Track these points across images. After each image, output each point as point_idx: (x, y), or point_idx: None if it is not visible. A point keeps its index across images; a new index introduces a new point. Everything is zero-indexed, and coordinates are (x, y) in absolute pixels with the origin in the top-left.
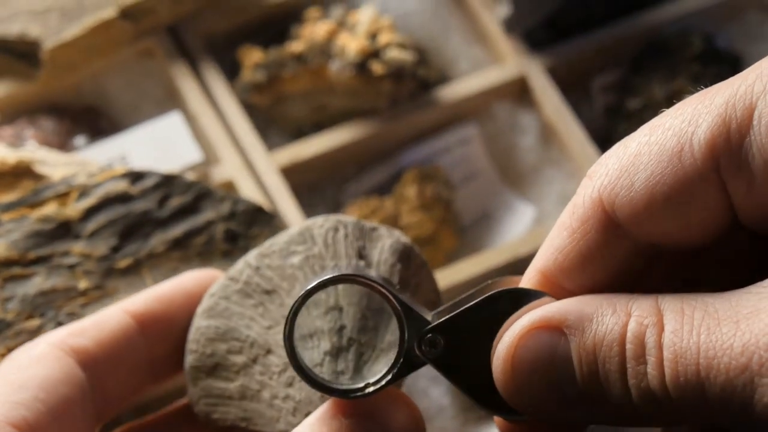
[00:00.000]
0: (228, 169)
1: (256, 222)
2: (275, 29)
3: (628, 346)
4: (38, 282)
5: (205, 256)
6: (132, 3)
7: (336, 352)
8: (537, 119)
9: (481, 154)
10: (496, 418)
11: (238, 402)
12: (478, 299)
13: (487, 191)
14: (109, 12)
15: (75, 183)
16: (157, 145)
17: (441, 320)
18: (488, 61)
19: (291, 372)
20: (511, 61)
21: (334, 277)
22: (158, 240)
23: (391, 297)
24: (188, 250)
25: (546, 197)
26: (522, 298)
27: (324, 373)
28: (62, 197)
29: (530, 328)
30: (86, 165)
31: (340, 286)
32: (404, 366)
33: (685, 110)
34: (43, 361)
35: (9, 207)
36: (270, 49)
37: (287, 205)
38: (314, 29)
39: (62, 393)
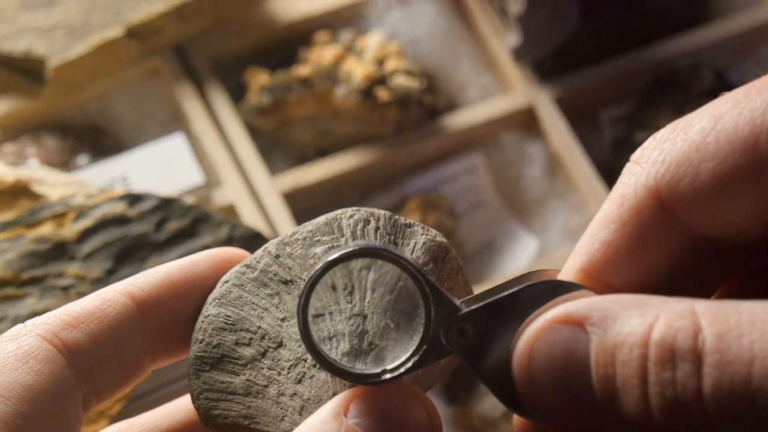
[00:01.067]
0: (229, 193)
1: (253, 248)
2: (284, 52)
3: (653, 349)
4: (31, 303)
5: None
6: (138, 22)
7: (355, 354)
8: (544, 150)
9: (487, 184)
10: (515, 418)
11: (243, 398)
12: (513, 289)
13: (492, 221)
14: (115, 31)
15: (72, 204)
16: (159, 167)
17: (471, 308)
18: (497, 89)
19: (301, 368)
20: (519, 91)
21: (359, 249)
22: (154, 264)
23: (420, 277)
24: None
25: (550, 229)
26: (559, 290)
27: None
28: (59, 218)
29: (552, 321)
30: (85, 185)
31: (368, 294)
32: (428, 353)
33: (754, 99)
34: (31, 361)
35: (5, 226)
36: (277, 72)
37: (288, 231)
38: (322, 53)
39: (47, 404)
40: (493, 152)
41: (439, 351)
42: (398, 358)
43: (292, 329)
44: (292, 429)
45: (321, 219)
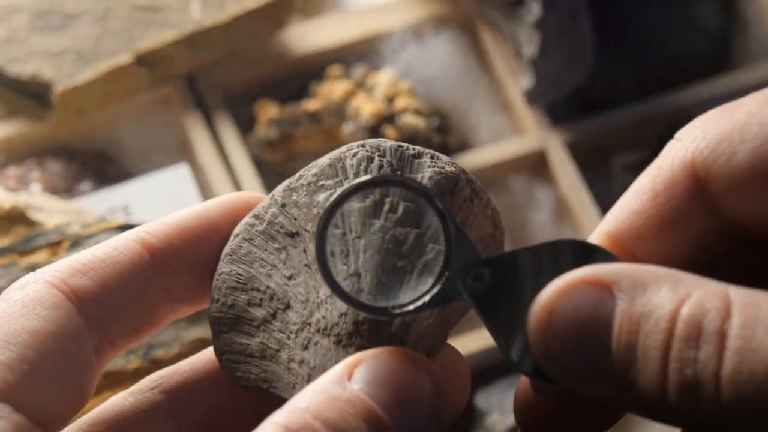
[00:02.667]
0: None
1: None
2: (296, 84)
3: (680, 325)
4: None
5: (194, 317)
6: (148, 50)
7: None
8: (552, 194)
9: None
10: (519, 385)
11: (259, 361)
12: (541, 243)
13: None
14: (124, 58)
15: (68, 232)
16: (161, 197)
17: (494, 255)
18: (510, 131)
19: (307, 333)
20: (531, 134)
21: (377, 177)
22: None
23: (443, 210)
24: None
25: None
26: (588, 254)
27: (347, 322)
28: (54, 246)
29: (580, 280)
30: (82, 214)
31: (361, 252)
32: (440, 295)
33: None
34: (38, 308)
35: None
36: (287, 105)
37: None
38: (332, 88)
39: (54, 349)
40: (501, 195)
41: (452, 294)
42: (409, 297)
43: (297, 289)
44: None
45: (325, 159)
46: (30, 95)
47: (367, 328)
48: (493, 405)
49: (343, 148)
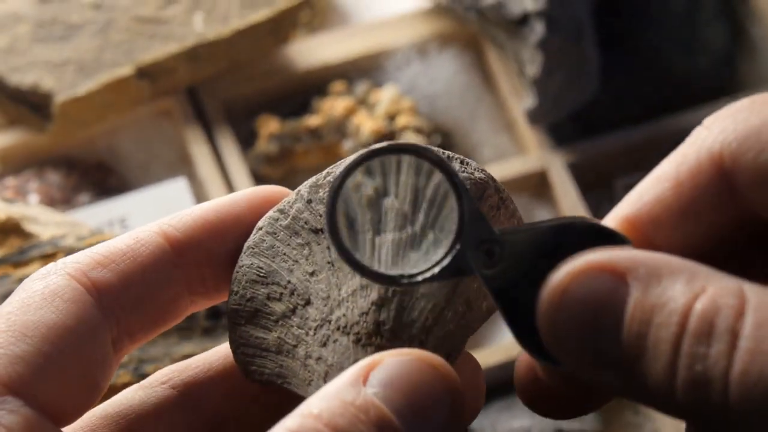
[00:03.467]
0: None
1: None
2: (299, 99)
3: (693, 320)
4: None
5: (185, 333)
6: (150, 62)
7: (381, 303)
8: (553, 215)
9: None
10: (518, 362)
11: (275, 356)
12: (556, 221)
13: None
14: (125, 70)
15: (62, 245)
16: (159, 210)
17: (506, 230)
18: (513, 151)
19: (326, 329)
20: (533, 153)
21: (393, 145)
22: None
23: (459, 183)
24: None
25: None
26: (603, 236)
27: (368, 322)
28: (47, 258)
29: (595, 264)
30: (77, 227)
31: (406, 199)
32: (451, 267)
33: None
34: (57, 300)
35: None
36: (289, 120)
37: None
38: (334, 104)
39: (70, 343)
40: None
41: (463, 267)
42: (419, 267)
43: (319, 285)
44: None
45: (352, 158)
46: (30, 105)
47: (389, 329)
48: (486, 428)
49: (373, 147)
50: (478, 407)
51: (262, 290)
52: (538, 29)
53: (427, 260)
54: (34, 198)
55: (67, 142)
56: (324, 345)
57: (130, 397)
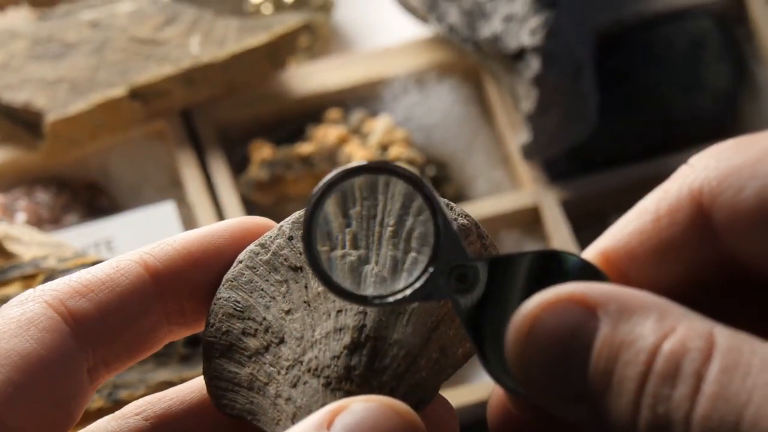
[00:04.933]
0: None
1: None
2: (293, 126)
3: (659, 360)
4: None
5: (162, 359)
6: (143, 84)
7: (354, 347)
8: None
9: None
10: (492, 396)
11: (247, 392)
12: (531, 251)
13: None
14: (118, 90)
15: (43, 266)
16: (145, 234)
17: (480, 257)
18: (508, 185)
19: (297, 371)
20: (527, 189)
21: (369, 164)
22: None
23: (435, 204)
24: None
25: None
26: (578, 268)
27: (338, 366)
28: (28, 279)
29: (566, 296)
30: (60, 248)
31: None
32: (421, 290)
33: None
34: (32, 329)
35: None
36: (282, 146)
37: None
38: (327, 132)
39: (42, 373)
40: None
41: (433, 291)
42: (391, 289)
43: (294, 325)
44: None
45: (332, 175)
46: (22, 123)
47: (359, 374)
48: None
49: (350, 166)
50: None
51: (238, 324)
52: (534, 65)
53: (406, 281)
54: (21, 216)
55: (58, 161)
56: (294, 386)
57: (102, 427)
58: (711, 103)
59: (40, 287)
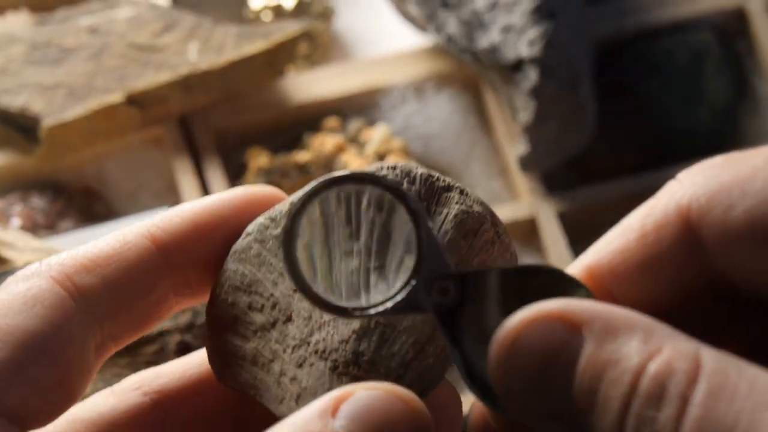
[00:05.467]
0: None
1: None
2: (292, 133)
3: (644, 381)
4: None
5: (154, 366)
6: (140, 90)
7: (363, 333)
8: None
9: None
10: (473, 407)
11: (250, 366)
12: (516, 265)
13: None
14: (115, 96)
15: None
16: None
17: (462, 270)
18: (505, 196)
19: (304, 351)
20: (524, 200)
21: (352, 174)
22: None
23: (418, 216)
24: (137, 357)
25: None
26: (563, 284)
27: (346, 350)
28: None
29: (549, 314)
30: (54, 254)
31: (366, 232)
32: (403, 303)
33: None
34: (38, 306)
35: None
36: (279, 154)
37: None
38: (324, 141)
39: (46, 352)
40: None
41: (415, 304)
42: (373, 301)
43: (302, 304)
44: (287, 416)
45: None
46: (19, 128)
47: (367, 360)
48: None
49: (373, 167)
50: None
51: (244, 298)
52: (531, 76)
53: (387, 293)
54: (16, 222)
55: (55, 167)
56: (300, 366)
57: (100, 402)
58: (711, 116)
59: (46, 261)
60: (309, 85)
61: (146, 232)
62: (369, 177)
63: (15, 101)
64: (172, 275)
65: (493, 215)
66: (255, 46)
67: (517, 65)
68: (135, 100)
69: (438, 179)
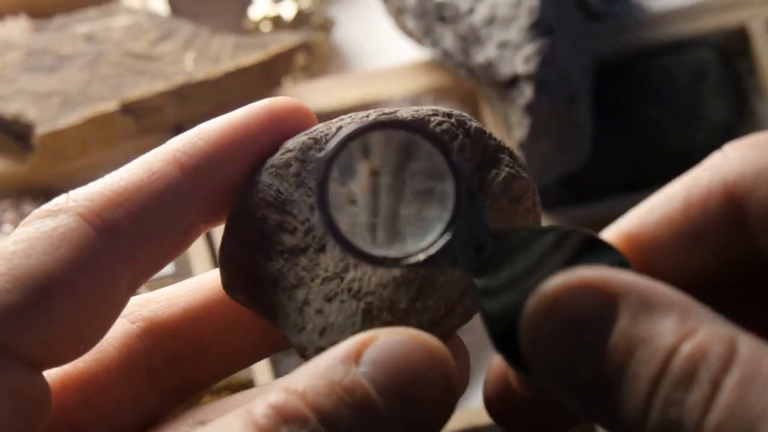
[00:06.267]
0: None
1: None
2: None
3: (676, 362)
4: None
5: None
6: (135, 99)
7: (403, 281)
8: None
9: None
10: (491, 368)
11: (268, 287)
12: (552, 228)
13: (480, 355)
14: (110, 105)
15: None
16: None
17: (499, 227)
18: None
19: (336, 285)
20: None
21: (394, 120)
22: None
23: (459, 170)
24: None
25: None
26: (601, 251)
27: (384, 295)
28: None
29: (588, 281)
30: None
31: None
32: (437, 256)
33: None
34: (64, 247)
35: None
36: None
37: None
38: None
39: (72, 295)
40: None
41: (450, 260)
42: (405, 251)
43: None
44: (308, 347)
45: (408, 112)
46: (12, 134)
47: (402, 308)
48: None
49: (428, 110)
50: (465, 384)
51: (275, 216)
52: (527, 92)
53: (420, 245)
54: (8, 229)
55: (47, 174)
56: (329, 300)
57: None
58: (709, 136)
59: (73, 193)
60: (306, 97)
61: (172, 159)
62: (411, 125)
63: (9, 108)
64: (199, 201)
65: (534, 184)
66: (251, 56)
67: (513, 81)
68: (130, 109)
69: (490, 136)
